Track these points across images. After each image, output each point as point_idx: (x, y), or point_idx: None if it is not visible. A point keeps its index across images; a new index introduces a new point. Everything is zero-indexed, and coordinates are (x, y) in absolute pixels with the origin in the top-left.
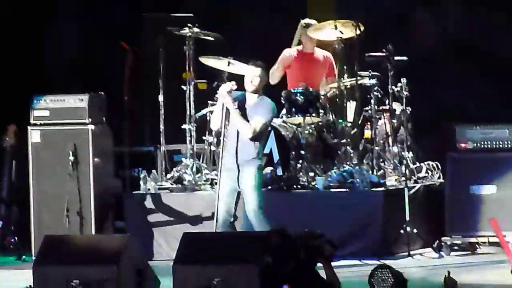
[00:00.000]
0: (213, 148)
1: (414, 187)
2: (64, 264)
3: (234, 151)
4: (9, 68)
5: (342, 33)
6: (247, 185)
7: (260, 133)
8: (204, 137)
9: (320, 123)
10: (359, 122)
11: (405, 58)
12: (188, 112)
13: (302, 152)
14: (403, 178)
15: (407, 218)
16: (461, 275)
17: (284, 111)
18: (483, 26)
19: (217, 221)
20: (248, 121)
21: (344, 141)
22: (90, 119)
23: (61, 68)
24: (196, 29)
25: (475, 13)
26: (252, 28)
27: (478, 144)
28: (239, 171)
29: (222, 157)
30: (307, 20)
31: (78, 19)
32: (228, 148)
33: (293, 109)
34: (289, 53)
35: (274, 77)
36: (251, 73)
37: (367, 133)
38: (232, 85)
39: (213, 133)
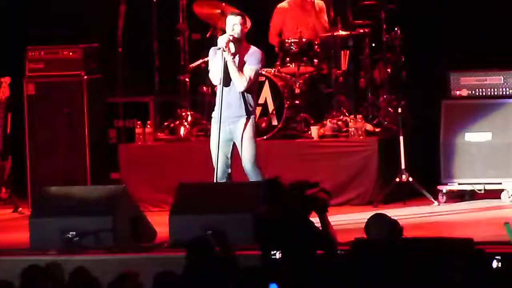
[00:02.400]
0: (208, 99)
1: (408, 135)
2: (59, 215)
3: (229, 104)
4: (1, 20)
5: None
6: (243, 136)
7: (251, 83)
8: (199, 88)
9: (314, 72)
10: (353, 70)
11: (394, 6)
12: (182, 63)
13: (297, 101)
14: (398, 126)
15: (403, 166)
16: (456, 224)
17: (278, 61)
18: None
19: (216, 172)
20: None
21: (338, 90)
22: (84, 71)
23: (53, 19)
24: None
25: None
26: None
27: (473, 91)
28: (233, 123)
29: (221, 109)
30: None
31: None
32: (223, 101)
33: (287, 59)
34: (281, 6)
35: (274, 34)
36: (231, 22)
37: (362, 82)
38: (229, 35)
39: (207, 83)
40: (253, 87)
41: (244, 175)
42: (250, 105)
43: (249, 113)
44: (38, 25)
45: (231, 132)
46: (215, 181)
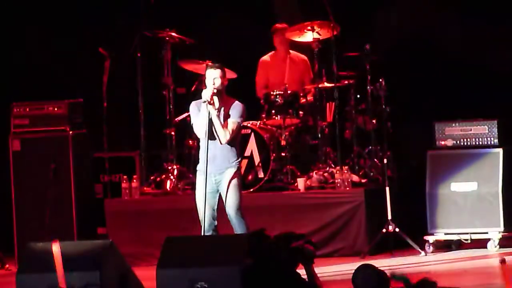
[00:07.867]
0: (194, 152)
1: (394, 186)
2: (46, 271)
3: (214, 156)
4: None
5: (319, 34)
6: (229, 184)
7: (234, 136)
8: (185, 142)
9: (300, 124)
10: (339, 122)
11: (377, 58)
12: (168, 117)
13: (283, 154)
14: (384, 177)
15: (389, 217)
16: (443, 274)
17: (263, 113)
18: (460, 27)
19: (204, 225)
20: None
21: (324, 141)
22: (69, 126)
23: (38, 75)
24: (173, 33)
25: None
26: (226, 32)
27: (458, 141)
28: (219, 174)
29: (207, 162)
30: (276, 25)
31: (52, 24)
32: (209, 153)
33: (273, 111)
34: (264, 60)
35: (261, 87)
36: (211, 76)
37: (347, 133)
38: (213, 89)
39: (193, 137)
40: (236, 140)
41: (231, 227)
42: (235, 156)
43: (234, 164)
44: (23, 81)
45: (217, 183)
46: (202, 233)
